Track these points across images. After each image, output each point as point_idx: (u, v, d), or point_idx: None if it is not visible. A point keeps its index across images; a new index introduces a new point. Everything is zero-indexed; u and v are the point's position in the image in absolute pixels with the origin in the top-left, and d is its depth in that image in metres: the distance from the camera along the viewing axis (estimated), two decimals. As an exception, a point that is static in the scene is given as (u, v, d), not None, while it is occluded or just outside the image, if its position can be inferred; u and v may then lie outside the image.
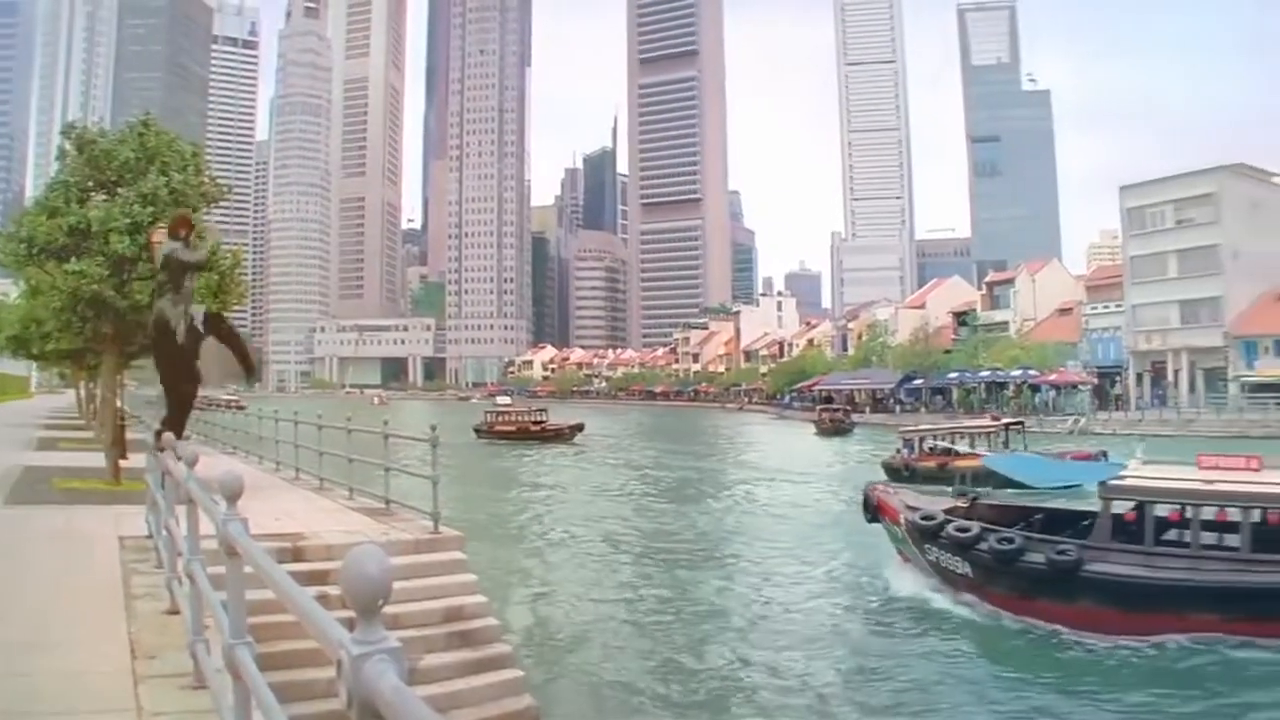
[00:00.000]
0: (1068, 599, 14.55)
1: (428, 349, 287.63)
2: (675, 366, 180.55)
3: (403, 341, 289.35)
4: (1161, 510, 14.87)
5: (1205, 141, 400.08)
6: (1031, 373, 73.34)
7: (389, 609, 7.67)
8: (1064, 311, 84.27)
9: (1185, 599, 13.58)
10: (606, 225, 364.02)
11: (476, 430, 66.46)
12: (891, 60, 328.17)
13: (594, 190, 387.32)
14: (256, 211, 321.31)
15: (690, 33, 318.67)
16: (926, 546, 17.26)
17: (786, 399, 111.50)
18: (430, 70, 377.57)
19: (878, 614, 16.92)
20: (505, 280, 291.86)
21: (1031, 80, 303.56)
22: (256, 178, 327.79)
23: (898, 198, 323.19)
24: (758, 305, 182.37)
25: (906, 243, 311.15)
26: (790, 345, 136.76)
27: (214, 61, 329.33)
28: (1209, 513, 14.70)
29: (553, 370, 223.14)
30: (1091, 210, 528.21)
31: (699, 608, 17.38)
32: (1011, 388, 76.95)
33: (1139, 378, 73.09)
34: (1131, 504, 15.31)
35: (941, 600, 16.66)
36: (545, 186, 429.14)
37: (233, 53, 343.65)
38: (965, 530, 16.24)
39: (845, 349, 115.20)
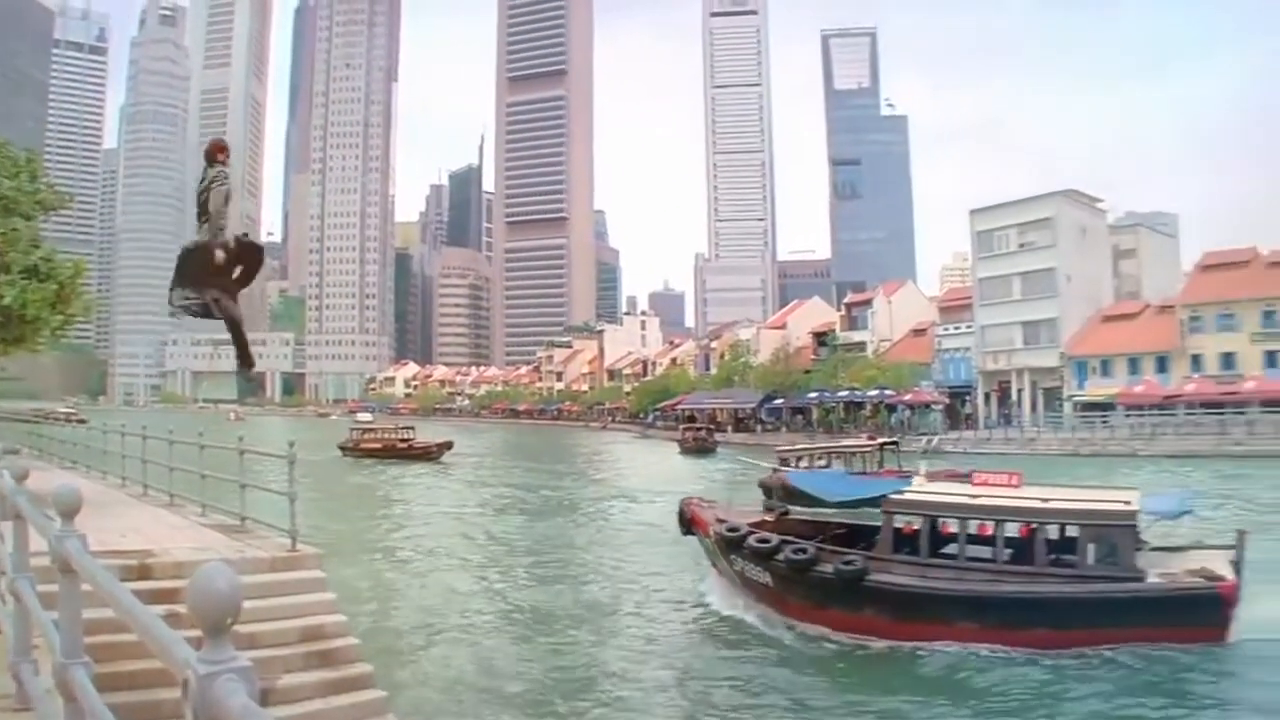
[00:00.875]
0: (854, 607, 15.46)
1: (287, 364, 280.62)
2: (539, 385, 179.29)
3: (261, 356, 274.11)
4: (934, 524, 15.97)
5: (1048, 167, 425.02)
6: (888, 392, 75.17)
7: (244, 628, 7.49)
8: (918, 332, 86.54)
9: (952, 607, 14.67)
10: (471, 242, 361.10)
11: (342, 447, 65.53)
12: (757, 84, 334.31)
13: (459, 207, 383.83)
14: (104, 221, 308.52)
15: (560, 52, 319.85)
16: (732, 557, 17.91)
17: (650, 418, 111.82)
18: (294, 82, 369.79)
19: (689, 622, 17.75)
20: (368, 296, 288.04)
21: (890, 105, 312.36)
22: (104, 187, 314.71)
23: (761, 219, 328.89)
24: (622, 324, 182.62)
25: (769, 263, 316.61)
26: (654, 364, 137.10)
27: (55, 66, 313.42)
28: (975, 526, 15.83)
29: (415, 387, 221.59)
30: (945, 233, 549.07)
31: (554, 625, 17.62)
32: (868, 407, 78.86)
33: (987, 397, 75.87)
34: (910, 518, 16.32)
35: (744, 608, 17.50)
36: (410, 202, 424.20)
37: (78, 58, 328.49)
38: (765, 541, 16.95)
39: (708, 368, 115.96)
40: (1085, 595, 14.19)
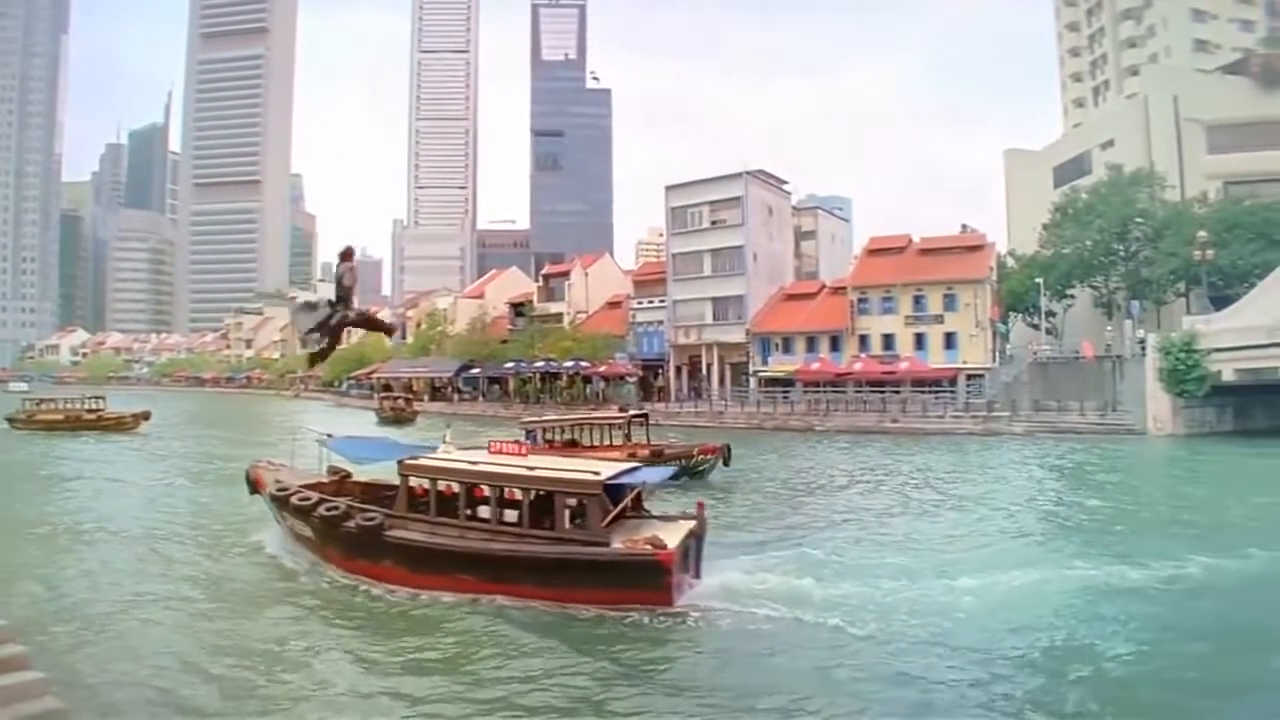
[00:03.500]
0: (377, 559, 17.19)
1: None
2: (227, 353, 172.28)
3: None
4: (441, 486, 17.68)
5: (738, 150, 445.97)
6: (583, 364, 76.16)
7: None
8: (614, 305, 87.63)
9: (453, 561, 16.32)
10: (154, 204, 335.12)
11: (11, 420, 60.28)
12: (465, 50, 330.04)
13: (140, 167, 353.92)
14: None
15: (261, 9, 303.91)
16: (283, 514, 19.74)
17: (345, 386, 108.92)
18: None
19: (257, 572, 18.90)
20: (25, 259, 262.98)
21: (595, 78, 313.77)
22: None
23: (462, 188, 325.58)
24: (316, 291, 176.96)
25: (468, 233, 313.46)
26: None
27: None
28: (481, 489, 17.45)
29: (84, 355, 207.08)
30: (642, 208, 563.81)
31: (217, 592, 17.56)
32: (565, 378, 79.66)
33: (678, 370, 78.02)
34: (421, 480, 17.93)
35: (292, 559, 19.19)
36: (84, 162, 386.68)
37: None
38: (306, 500, 18.71)
39: (404, 337, 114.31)
40: (554, 555, 15.71)
